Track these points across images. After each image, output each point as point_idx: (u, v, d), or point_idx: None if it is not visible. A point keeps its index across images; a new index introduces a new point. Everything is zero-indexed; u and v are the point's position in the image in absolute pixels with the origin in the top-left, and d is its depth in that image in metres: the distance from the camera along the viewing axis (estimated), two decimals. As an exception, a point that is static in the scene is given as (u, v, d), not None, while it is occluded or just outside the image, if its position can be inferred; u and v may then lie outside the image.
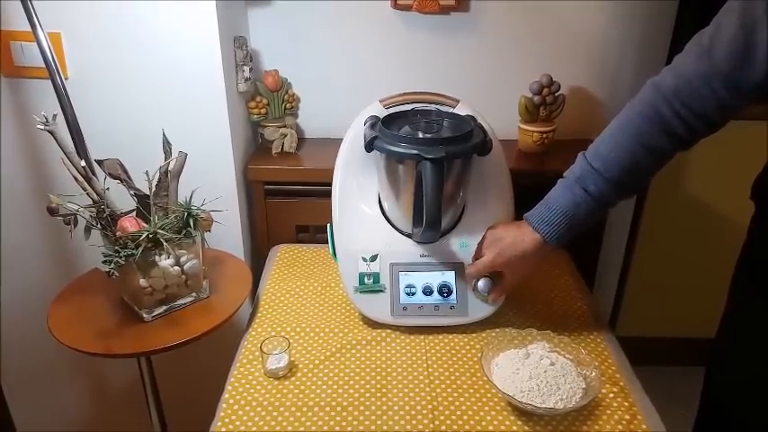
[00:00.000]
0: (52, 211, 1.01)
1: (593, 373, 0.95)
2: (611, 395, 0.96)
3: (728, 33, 0.79)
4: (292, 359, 1.04)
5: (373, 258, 1.10)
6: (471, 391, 0.97)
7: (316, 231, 1.46)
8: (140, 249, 1.00)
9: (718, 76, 0.81)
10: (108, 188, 1.07)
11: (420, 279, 1.10)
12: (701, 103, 0.84)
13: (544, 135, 1.46)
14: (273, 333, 1.10)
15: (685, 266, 1.85)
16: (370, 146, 1.04)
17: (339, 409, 0.94)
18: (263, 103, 1.46)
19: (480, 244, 1.08)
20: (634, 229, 1.79)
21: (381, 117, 1.11)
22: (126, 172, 1.10)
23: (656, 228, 1.80)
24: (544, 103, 1.44)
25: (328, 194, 1.15)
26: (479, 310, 1.10)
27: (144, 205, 1.09)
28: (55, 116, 1.03)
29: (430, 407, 0.94)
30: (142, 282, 1.05)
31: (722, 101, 0.82)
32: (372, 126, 1.08)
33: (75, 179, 1.03)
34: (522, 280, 1.06)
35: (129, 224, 1.04)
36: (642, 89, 0.90)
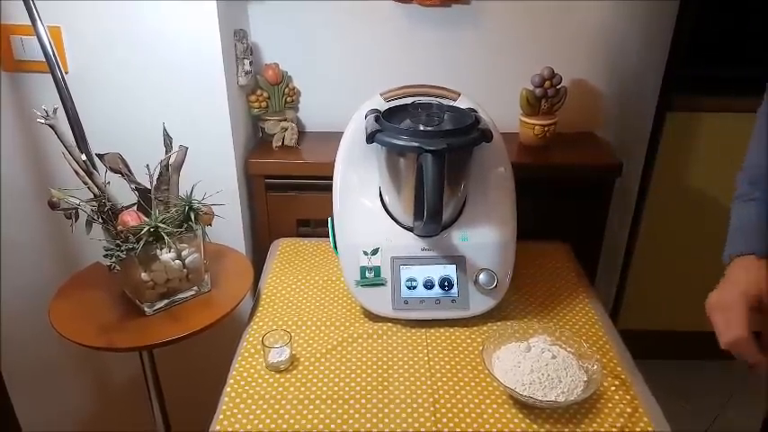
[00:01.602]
0: (53, 206, 1.01)
1: (595, 367, 0.95)
2: (613, 388, 0.96)
3: None
4: (294, 353, 1.04)
5: (374, 252, 1.10)
6: (473, 384, 0.97)
7: (317, 225, 1.46)
8: (141, 243, 1.00)
9: None
10: (109, 182, 1.07)
11: (421, 272, 1.10)
12: None
13: (545, 128, 1.45)
14: (275, 327, 1.10)
15: (686, 260, 1.85)
16: (371, 138, 1.03)
17: (341, 402, 0.94)
18: (264, 96, 1.45)
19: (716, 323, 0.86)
20: (636, 222, 1.79)
21: (382, 110, 1.11)
22: (127, 166, 1.10)
23: (658, 221, 1.80)
24: (545, 95, 1.43)
25: (329, 188, 1.15)
26: (480, 303, 1.10)
27: (145, 199, 1.09)
28: (55, 110, 1.03)
29: (431, 400, 0.94)
30: (143, 276, 1.06)
31: None
32: (374, 119, 1.08)
33: (76, 173, 1.03)
34: None
35: (131, 218, 1.04)
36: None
